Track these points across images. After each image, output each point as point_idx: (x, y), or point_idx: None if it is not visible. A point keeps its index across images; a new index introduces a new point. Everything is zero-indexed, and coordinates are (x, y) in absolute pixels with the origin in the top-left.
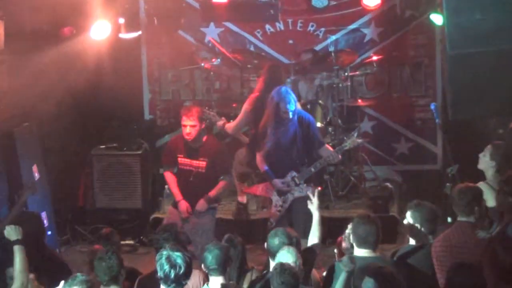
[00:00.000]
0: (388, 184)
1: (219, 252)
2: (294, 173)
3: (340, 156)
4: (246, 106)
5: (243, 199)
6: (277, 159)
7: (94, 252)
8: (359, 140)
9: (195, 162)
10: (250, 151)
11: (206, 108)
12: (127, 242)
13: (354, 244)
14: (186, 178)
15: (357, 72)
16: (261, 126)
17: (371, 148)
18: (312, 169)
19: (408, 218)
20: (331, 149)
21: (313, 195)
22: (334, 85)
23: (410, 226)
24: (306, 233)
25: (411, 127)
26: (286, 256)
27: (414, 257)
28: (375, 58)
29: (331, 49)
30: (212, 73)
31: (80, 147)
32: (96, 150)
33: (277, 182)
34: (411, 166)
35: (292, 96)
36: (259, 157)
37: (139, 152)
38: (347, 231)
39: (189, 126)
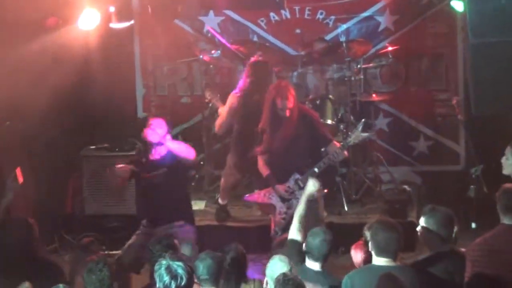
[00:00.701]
0: (406, 186)
1: (211, 262)
2: (297, 176)
3: (346, 153)
4: (230, 103)
5: (222, 200)
6: (278, 161)
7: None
8: (365, 134)
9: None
10: (235, 152)
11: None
12: (120, 252)
13: (373, 252)
14: (153, 196)
15: (371, 64)
16: (260, 127)
17: (387, 147)
18: (316, 170)
19: (422, 224)
20: (338, 145)
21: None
22: (346, 79)
23: (425, 233)
24: None
25: (431, 123)
26: (279, 265)
27: (434, 266)
28: (390, 48)
29: (342, 39)
30: (211, 66)
31: (68, 148)
32: (85, 151)
33: (279, 188)
34: (431, 167)
35: (291, 92)
36: (261, 161)
37: (132, 153)
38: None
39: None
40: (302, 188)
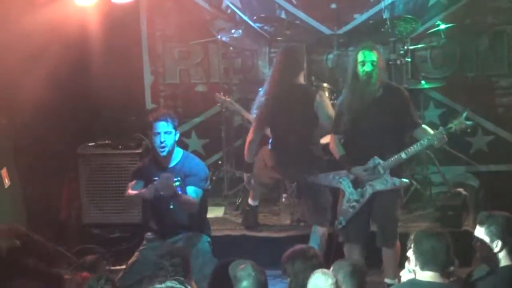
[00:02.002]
0: (461, 190)
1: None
2: (378, 160)
3: (446, 138)
4: (260, 111)
5: (253, 201)
6: (356, 141)
7: (81, 284)
8: (469, 123)
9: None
10: (274, 152)
11: (221, 93)
12: (124, 267)
13: (418, 265)
14: (165, 206)
15: (420, 45)
16: (339, 105)
17: None
18: (403, 156)
19: (479, 235)
20: (431, 131)
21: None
22: (391, 62)
23: (482, 246)
24: (387, 237)
25: (491, 116)
26: (322, 279)
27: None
28: (443, 26)
29: (386, 15)
30: (231, 48)
31: (62, 145)
32: (83, 149)
33: (359, 169)
34: (490, 166)
35: (377, 52)
36: (334, 141)
37: (139, 150)
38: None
39: (164, 133)
40: (382, 176)
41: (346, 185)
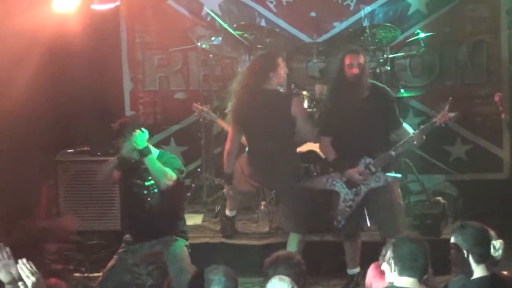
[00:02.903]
0: (439, 198)
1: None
2: (368, 160)
3: (424, 137)
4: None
5: (230, 211)
6: (345, 142)
7: None
8: (452, 114)
9: (147, 183)
10: (250, 159)
11: (198, 103)
12: (102, 274)
13: (396, 271)
14: (142, 206)
15: (400, 54)
16: (328, 103)
17: (418, 151)
18: (392, 153)
19: (452, 244)
20: (410, 130)
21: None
22: (370, 70)
23: (455, 254)
24: (388, 229)
25: (470, 124)
26: (278, 285)
27: None
28: (422, 35)
29: (366, 23)
30: (211, 55)
31: (41, 151)
32: (61, 156)
33: (353, 172)
34: (469, 175)
35: (363, 55)
36: (324, 142)
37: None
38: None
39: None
40: (373, 173)
41: (340, 187)
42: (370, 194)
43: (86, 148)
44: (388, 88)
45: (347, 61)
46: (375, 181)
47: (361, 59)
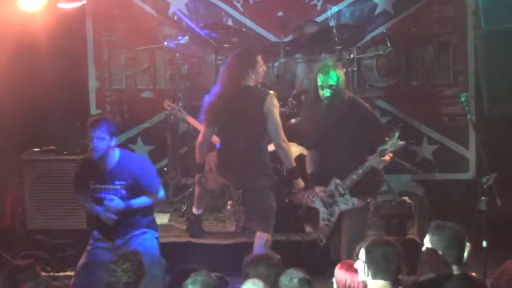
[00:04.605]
0: (405, 198)
1: (207, 281)
2: (337, 181)
3: (386, 159)
4: (206, 116)
5: (197, 210)
6: (322, 157)
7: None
8: (401, 142)
9: (111, 187)
10: (220, 156)
11: (170, 101)
12: (68, 273)
13: (370, 274)
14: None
15: (366, 54)
16: (302, 119)
17: None
18: (355, 177)
19: (427, 244)
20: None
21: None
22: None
23: (428, 254)
24: (336, 252)
25: (436, 125)
26: None
27: None
28: (389, 35)
29: (332, 23)
30: (178, 54)
31: (7, 150)
32: (27, 155)
33: (319, 190)
34: (435, 175)
35: (337, 71)
36: (308, 156)
37: (83, 156)
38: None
39: (96, 139)
40: (342, 195)
41: (318, 204)
42: (344, 216)
43: (52, 147)
44: (366, 104)
45: (318, 81)
46: (344, 203)
47: (333, 80)
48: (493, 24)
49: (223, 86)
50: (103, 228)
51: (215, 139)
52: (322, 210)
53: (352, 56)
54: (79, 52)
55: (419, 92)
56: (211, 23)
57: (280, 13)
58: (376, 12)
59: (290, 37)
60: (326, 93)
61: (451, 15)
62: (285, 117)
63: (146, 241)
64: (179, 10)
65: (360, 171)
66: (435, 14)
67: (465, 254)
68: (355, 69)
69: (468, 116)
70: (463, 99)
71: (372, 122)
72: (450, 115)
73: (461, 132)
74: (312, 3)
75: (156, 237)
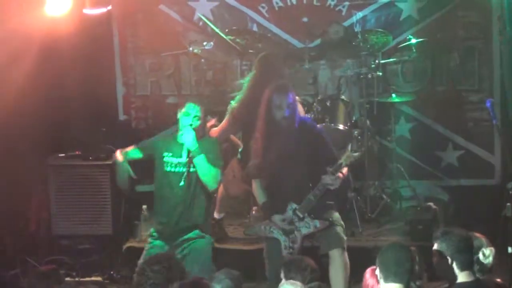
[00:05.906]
0: (431, 204)
1: (231, 283)
2: (294, 205)
3: (340, 176)
4: (233, 113)
5: (218, 214)
6: (274, 184)
7: None
8: (355, 154)
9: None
10: (243, 162)
11: None
12: (93, 279)
13: (381, 279)
14: (173, 193)
15: (391, 59)
16: (255, 139)
17: (409, 157)
18: (312, 198)
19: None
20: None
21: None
22: (362, 76)
23: (437, 260)
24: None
25: (461, 130)
26: None
27: None
28: (414, 41)
29: (358, 29)
30: (203, 60)
31: (32, 155)
32: (53, 160)
33: (277, 219)
34: (460, 181)
35: (291, 90)
36: (255, 184)
37: (109, 162)
38: None
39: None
40: (302, 219)
41: (278, 234)
42: (312, 236)
43: (77, 152)
44: (315, 123)
45: (276, 100)
46: (305, 227)
47: (291, 97)
48: None
49: (250, 92)
50: (162, 224)
51: (238, 144)
52: (283, 239)
53: (377, 61)
54: (105, 58)
55: (444, 97)
56: (236, 29)
57: (305, 19)
58: (401, 17)
59: (315, 43)
60: (286, 112)
61: (476, 20)
62: None
63: (201, 247)
64: (204, 15)
65: (316, 191)
66: (460, 19)
67: (490, 259)
68: (380, 74)
69: (494, 122)
70: (488, 104)
71: (320, 138)
72: (475, 120)
73: (486, 138)
74: (337, 8)
75: (211, 243)
